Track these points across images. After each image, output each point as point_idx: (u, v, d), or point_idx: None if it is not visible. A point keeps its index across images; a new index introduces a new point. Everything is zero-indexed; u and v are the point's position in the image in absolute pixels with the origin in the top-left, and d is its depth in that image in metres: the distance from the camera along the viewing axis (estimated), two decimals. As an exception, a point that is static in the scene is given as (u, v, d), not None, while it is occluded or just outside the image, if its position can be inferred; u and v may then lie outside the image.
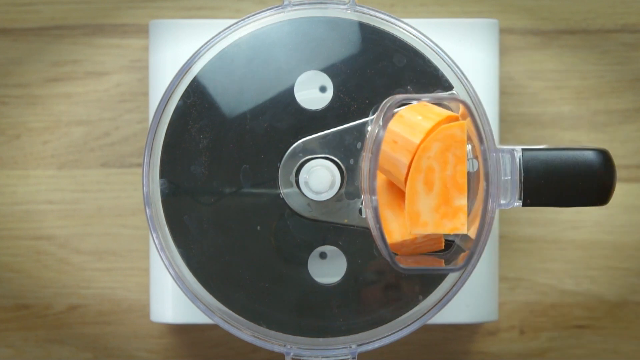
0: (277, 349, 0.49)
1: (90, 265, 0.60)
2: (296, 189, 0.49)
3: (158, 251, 0.49)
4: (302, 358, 0.49)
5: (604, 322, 0.60)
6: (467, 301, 0.55)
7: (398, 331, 0.49)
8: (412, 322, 0.49)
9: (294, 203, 0.49)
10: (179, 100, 0.49)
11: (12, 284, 0.60)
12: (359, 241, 0.49)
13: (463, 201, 0.45)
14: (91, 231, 0.60)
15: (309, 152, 0.49)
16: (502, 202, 0.47)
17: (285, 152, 0.49)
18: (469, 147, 0.47)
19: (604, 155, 0.47)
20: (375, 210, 0.44)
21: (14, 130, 0.59)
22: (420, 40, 0.49)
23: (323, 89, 0.50)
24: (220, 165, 0.49)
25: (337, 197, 0.49)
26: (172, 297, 0.55)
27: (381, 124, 0.45)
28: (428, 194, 0.45)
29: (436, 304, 0.49)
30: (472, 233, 0.45)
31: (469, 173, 0.46)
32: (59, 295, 0.60)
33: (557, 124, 0.60)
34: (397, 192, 0.47)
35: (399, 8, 0.59)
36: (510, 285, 0.60)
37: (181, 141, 0.49)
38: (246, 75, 0.49)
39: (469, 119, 0.45)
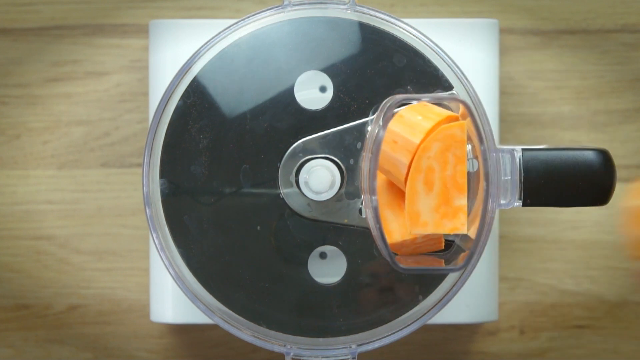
0: (277, 349, 0.49)
1: (90, 265, 0.60)
2: (296, 189, 0.49)
3: (158, 251, 0.49)
4: (302, 358, 0.49)
5: (604, 322, 0.60)
6: (467, 301, 0.55)
7: (398, 331, 0.49)
8: (412, 322, 0.49)
9: (294, 203, 0.49)
10: (179, 100, 0.49)
11: (12, 284, 0.60)
12: (359, 241, 0.49)
13: (463, 201, 0.45)
14: (91, 231, 0.60)
15: (309, 152, 0.49)
16: (502, 202, 0.47)
17: (285, 152, 0.49)
18: (469, 147, 0.47)
19: (604, 155, 0.47)
20: (375, 210, 0.44)
21: (14, 130, 0.59)
22: (420, 40, 0.49)
23: (323, 89, 0.50)
24: (220, 165, 0.49)
25: (337, 197, 0.49)
26: (172, 297, 0.55)
27: (381, 124, 0.45)
28: (428, 194, 0.45)
29: (436, 304, 0.49)
30: (472, 233, 0.45)
31: (469, 173, 0.46)
32: (59, 295, 0.60)
33: (557, 124, 0.60)
34: (397, 192, 0.47)
35: (399, 8, 0.59)
36: (510, 285, 0.60)
37: (181, 141, 0.49)
38: (246, 75, 0.49)
39: (469, 119, 0.45)
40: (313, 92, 0.50)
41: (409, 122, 0.46)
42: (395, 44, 0.49)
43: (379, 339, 0.49)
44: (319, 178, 0.48)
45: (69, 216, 0.60)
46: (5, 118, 0.60)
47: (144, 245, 0.59)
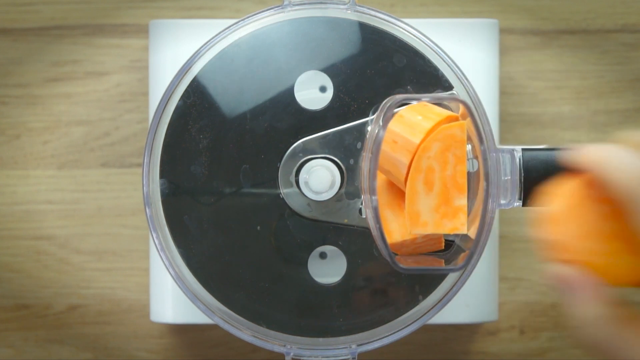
0: (277, 349, 0.49)
1: (90, 265, 0.60)
2: (296, 189, 0.49)
3: (158, 251, 0.49)
4: (302, 358, 0.49)
5: (604, 322, 0.60)
6: (467, 301, 0.55)
7: (398, 331, 0.49)
8: (412, 322, 0.49)
9: (294, 203, 0.49)
10: (179, 100, 0.49)
11: (12, 284, 0.60)
12: (359, 241, 0.49)
13: (463, 201, 0.45)
14: (91, 231, 0.60)
15: (309, 152, 0.49)
16: (502, 202, 0.47)
17: (285, 152, 0.49)
18: (469, 147, 0.47)
19: (604, 155, 0.47)
20: (375, 210, 0.44)
21: (14, 130, 0.59)
22: (420, 40, 0.49)
23: (323, 89, 0.50)
24: (220, 165, 0.49)
25: (337, 197, 0.49)
26: (172, 297, 0.55)
27: (381, 124, 0.45)
28: (428, 194, 0.45)
29: (436, 304, 0.49)
30: (472, 233, 0.45)
31: (469, 173, 0.46)
32: (59, 295, 0.60)
33: (557, 124, 0.60)
34: (397, 192, 0.47)
35: (399, 8, 0.59)
36: (510, 285, 0.60)
37: (181, 141, 0.49)
38: (246, 75, 0.49)
39: (469, 119, 0.45)
40: (313, 92, 0.50)
41: (409, 122, 0.46)
42: (395, 44, 0.49)
43: (379, 339, 0.49)
44: (319, 178, 0.48)
45: (69, 216, 0.60)
46: (5, 118, 0.60)
47: (144, 245, 0.59)
